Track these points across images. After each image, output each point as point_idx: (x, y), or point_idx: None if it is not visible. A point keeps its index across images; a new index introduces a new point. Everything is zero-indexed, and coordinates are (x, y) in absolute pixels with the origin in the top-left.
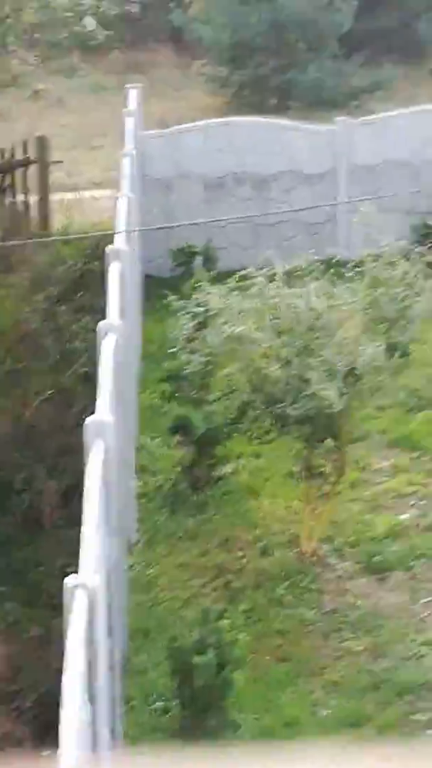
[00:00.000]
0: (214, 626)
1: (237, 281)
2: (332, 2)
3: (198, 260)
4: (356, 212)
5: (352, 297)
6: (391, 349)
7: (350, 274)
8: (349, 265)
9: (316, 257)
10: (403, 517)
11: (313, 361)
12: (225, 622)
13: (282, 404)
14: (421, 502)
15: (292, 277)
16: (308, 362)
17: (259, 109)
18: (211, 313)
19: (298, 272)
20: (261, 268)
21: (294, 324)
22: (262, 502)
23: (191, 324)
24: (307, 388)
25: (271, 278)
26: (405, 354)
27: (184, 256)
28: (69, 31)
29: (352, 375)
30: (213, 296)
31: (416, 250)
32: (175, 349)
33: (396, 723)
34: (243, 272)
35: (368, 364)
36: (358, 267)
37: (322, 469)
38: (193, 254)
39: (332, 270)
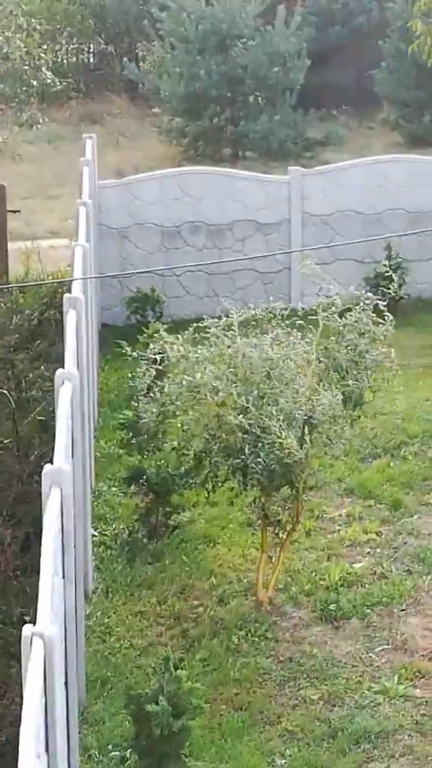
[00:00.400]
0: (173, 675)
1: (194, 331)
2: (285, 60)
3: (149, 310)
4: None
5: (306, 346)
6: (346, 398)
7: (302, 323)
8: (300, 314)
9: (271, 306)
10: (357, 565)
11: (272, 410)
12: (182, 672)
13: (240, 455)
14: (376, 551)
15: (247, 326)
16: (266, 410)
17: (214, 159)
18: (168, 362)
19: (253, 322)
20: (218, 317)
21: (249, 374)
22: (218, 550)
23: (148, 373)
24: (266, 437)
25: (228, 327)
26: (360, 403)
27: (137, 304)
28: (25, 84)
29: (309, 424)
30: (171, 345)
31: (367, 297)
32: (133, 398)
33: None
34: (201, 322)
35: (325, 413)
36: (311, 315)
37: (279, 518)
38: (147, 302)
39: (286, 319)
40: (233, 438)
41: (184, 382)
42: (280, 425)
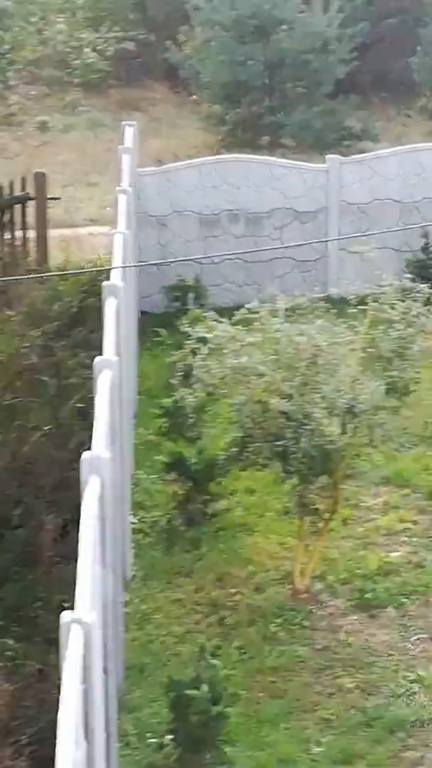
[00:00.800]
0: (208, 663)
1: (241, 315)
2: (327, 45)
3: (190, 296)
4: (348, 250)
5: (353, 335)
6: (389, 388)
7: (352, 310)
8: (352, 302)
9: (311, 295)
10: (394, 554)
11: (315, 397)
12: (219, 659)
13: (282, 441)
14: (412, 539)
15: (294, 313)
16: (310, 397)
17: (252, 147)
18: (213, 345)
19: (300, 309)
20: (263, 303)
21: (295, 360)
22: (255, 538)
23: (190, 356)
24: (308, 423)
25: (274, 314)
26: (405, 393)
27: (178, 292)
28: (68, 67)
29: (351, 412)
30: (218, 328)
31: (417, 288)
32: (173, 380)
33: (387, 760)
34: (248, 306)
35: (369, 401)
36: (361, 305)
37: (316, 506)
38: (187, 290)
39: (327, 308)
40: (275, 423)
41: (229, 364)
42: (324, 413)
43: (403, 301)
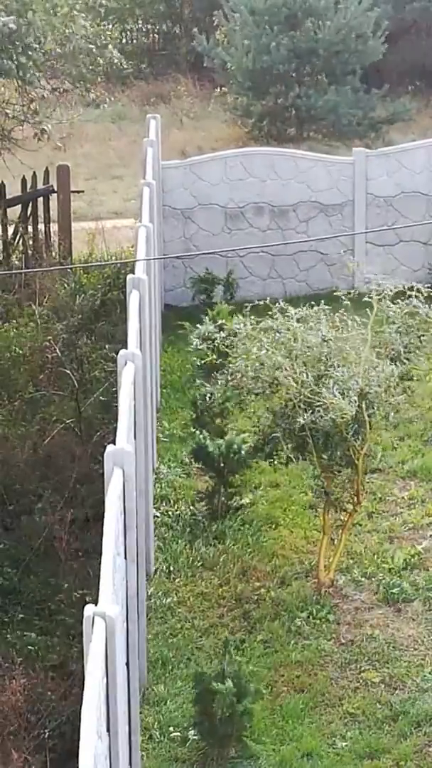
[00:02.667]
0: (233, 658)
1: (250, 313)
2: (358, 36)
3: (218, 289)
4: (374, 243)
5: (362, 329)
6: (400, 375)
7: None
8: (365, 298)
9: (333, 288)
10: (420, 547)
11: (328, 382)
12: (242, 653)
13: (300, 433)
14: None
15: (306, 309)
16: (323, 383)
17: (278, 139)
18: (234, 340)
19: (312, 304)
20: (275, 302)
21: (306, 356)
22: (280, 532)
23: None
24: (318, 400)
25: (283, 311)
26: (407, 377)
27: (206, 285)
28: (91, 62)
29: (364, 397)
30: (240, 325)
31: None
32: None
33: (413, 755)
34: (257, 303)
35: (381, 383)
36: (369, 299)
37: (339, 498)
38: (215, 283)
39: (348, 301)
40: (290, 405)
41: (252, 357)
42: (332, 391)
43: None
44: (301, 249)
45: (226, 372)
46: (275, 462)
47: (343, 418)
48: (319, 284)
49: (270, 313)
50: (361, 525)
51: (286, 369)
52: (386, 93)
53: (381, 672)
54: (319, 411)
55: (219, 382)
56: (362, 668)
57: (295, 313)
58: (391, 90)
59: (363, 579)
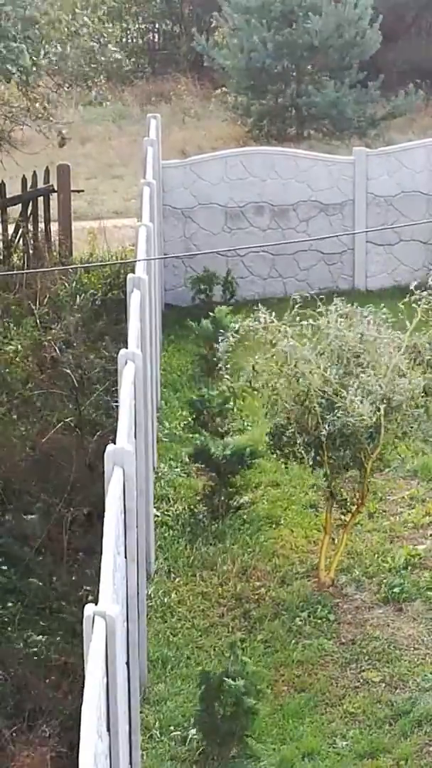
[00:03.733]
0: (238, 658)
1: (291, 309)
2: (359, 27)
3: (217, 289)
4: (374, 242)
5: (398, 333)
6: (427, 388)
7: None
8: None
9: (334, 287)
10: (421, 547)
11: (353, 382)
12: (243, 653)
13: (315, 431)
14: None
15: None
16: (346, 382)
17: (279, 138)
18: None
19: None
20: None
21: (339, 351)
22: (280, 531)
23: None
24: (340, 401)
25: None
26: None
27: (205, 284)
28: (92, 61)
29: (388, 403)
30: (264, 317)
31: None
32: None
33: (413, 755)
34: (295, 296)
35: (407, 392)
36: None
37: (343, 498)
38: (213, 282)
39: (354, 300)
40: (311, 411)
41: (279, 354)
42: (355, 393)
43: None
44: (301, 248)
45: (227, 369)
46: (288, 459)
47: (362, 423)
48: (319, 284)
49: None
50: (361, 524)
51: (311, 362)
52: (386, 90)
53: (382, 671)
54: (338, 411)
55: (226, 379)
56: (363, 668)
57: (336, 310)
58: (391, 89)
59: (364, 578)
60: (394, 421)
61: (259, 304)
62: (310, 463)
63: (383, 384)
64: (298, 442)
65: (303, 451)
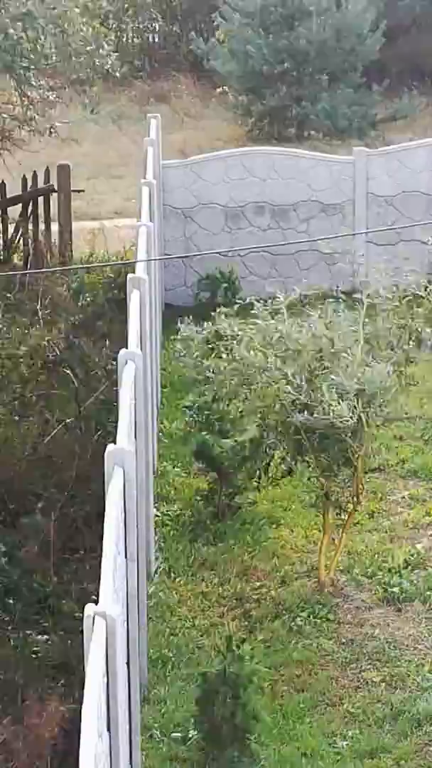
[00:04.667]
0: (236, 655)
1: (237, 312)
2: (361, 31)
3: (222, 289)
4: (374, 243)
5: (353, 324)
6: (396, 367)
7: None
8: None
9: (334, 287)
10: (420, 546)
11: (323, 384)
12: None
13: (295, 435)
14: None
15: (296, 307)
16: (317, 384)
17: (279, 138)
18: (225, 342)
19: (305, 303)
20: (266, 300)
21: (298, 354)
22: (281, 531)
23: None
24: (315, 406)
25: (275, 312)
26: (408, 363)
27: (210, 285)
28: (89, 63)
29: (361, 395)
30: (226, 325)
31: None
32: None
33: (413, 754)
34: (249, 301)
35: (375, 381)
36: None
37: (340, 498)
38: (219, 283)
39: (348, 300)
40: (284, 413)
41: (233, 364)
42: (330, 393)
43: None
44: (301, 248)
45: (213, 376)
46: (269, 478)
47: (342, 423)
48: (319, 283)
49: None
50: (361, 524)
51: (274, 369)
52: (387, 91)
53: (381, 671)
54: (314, 413)
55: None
56: (363, 668)
57: (285, 308)
58: (392, 89)
59: (363, 578)
60: (373, 414)
61: (255, 303)
62: (297, 462)
63: (353, 380)
64: (277, 451)
65: (289, 458)
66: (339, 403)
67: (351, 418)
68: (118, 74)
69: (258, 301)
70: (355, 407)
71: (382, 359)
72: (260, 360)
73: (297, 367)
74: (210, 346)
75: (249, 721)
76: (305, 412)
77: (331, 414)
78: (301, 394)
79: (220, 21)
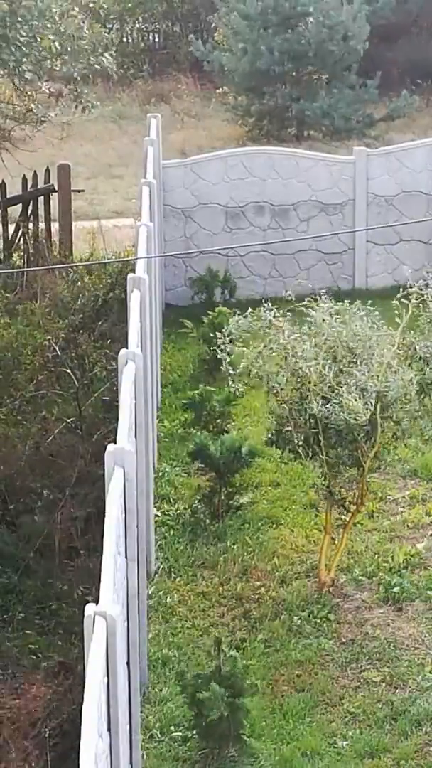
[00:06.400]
0: (228, 655)
1: (287, 309)
2: (348, 35)
3: (219, 289)
4: (374, 242)
5: (392, 330)
6: (423, 387)
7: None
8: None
9: (334, 287)
10: (420, 545)
11: (348, 379)
12: (242, 651)
13: (314, 427)
14: None
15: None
16: (341, 379)
17: (279, 138)
18: (263, 332)
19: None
20: (266, 299)
21: (335, 348)
22: (281, 531)
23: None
24: (335, 398)
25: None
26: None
27: (206, 283)
28: (88, 63)
29: (381, 400)
30: (270, 316)
31: None
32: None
33: (414, 754)
34: (288, 297)
35: (399, 389)
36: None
37: (343, 498)
38: (215, 282)
39: (351, 300)
40: (307, 407)
41: (280, 348)
42: (349, 389)
43: None
44: (301, 248)
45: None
46: (287, 454)
47: (356, 420)
48: (319, 283)
49: (295, 306)
50: (362, 524)
51: (310, 359)
52: (386, 91)
53: (382, 671)
54: (333, 407)
55: (230, 376)
56: (363, 667)
57: (329, 307)
58: (392, 89)
59: (364, 578)
60: (390, 419)
61: (263, 302)
62: (309, 456)
63: (376, 381)
64: (294, 438)
65: (300, 448)
66: (356, 400)
67: (364, 414)
68: (115, 75)
69: (265, 302)
70: (370, 407)
71: (411, 369)
72: (304, 348)
73: (330, 357)
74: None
75: (243, 718)
76: (324, 404)
77: (347, 411)
78: (325, 386)
79: (220, 21)
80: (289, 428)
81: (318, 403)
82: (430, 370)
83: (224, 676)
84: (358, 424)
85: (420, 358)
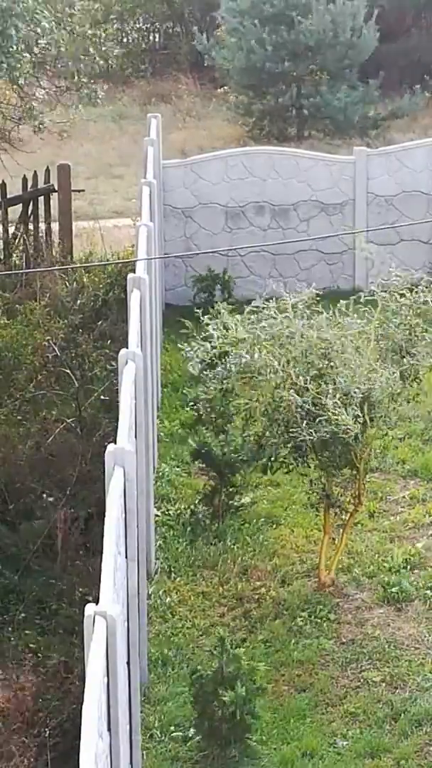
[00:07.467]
0: (232, 655)
1: (247, 312)
2: (354, 26)
3: (218, 289)
4: (374, 242)
5: (363, 326)
6: (403, 375)
7: (362, 304)
8: (363, 295)
9: (334, 287)
10: (419, 545)
11: (329, 388)
12: (243, 651)
13: (297, 430)
14: None
15: (302, 308)
16: (323, 389)
17: (279, 138)
18: (227, 341)
19: (309, 303)
20: (269, 299)
21: (306, 354)
22: (281, 531)
23: (204, 351)
24: (321, 413)
25: (282, 309)
26: (417, 379)
27: (206, 283)
28: (90, 61)
29: (367, 402)
30: (233, 325)
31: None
32: (191, 378)
33: (414, 754)
34: (254, 303)
35: (383, 390)
36: (369, 297)
37: (341, 499)
38: (215, 282)
39: (349, 300)
40: (290, 415)
41: (242, 362)
42: (335, 402)
43: (412, 291)
44: (301, 248)
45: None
46: (274, 471)
47: (346, 433)
48: (320, 283)
49: (260, 308)
50: (362, 524)
51: (280, 372)
52: (387, 89)
53: (382, 671)
54: (320, 423)
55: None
56: (363, 667)
57: (292, 306)
58: (392, 88)
59: (364, 578)
60: (378, 419)
61: (263, 301)
62: (300, 465)
63: (359, 385)
64: (281, 450)
65: (291, 458)
66: (344, 412)
67: (355, 430)
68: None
69: (267, 301)
70: (358, 415)
71: (391, 363)
72: (266, 361)
73: (303, 367)
74: (214, 346)
75: (252, 723)
76: (309, 420)
77: (335, 424)
78: (305, 401)
79: (221, 19)
80: (273, 440)
81: (302, 417)
82: (407, 359)
83: (229, 677)
84: (348, 435)
85: (398, 349)
